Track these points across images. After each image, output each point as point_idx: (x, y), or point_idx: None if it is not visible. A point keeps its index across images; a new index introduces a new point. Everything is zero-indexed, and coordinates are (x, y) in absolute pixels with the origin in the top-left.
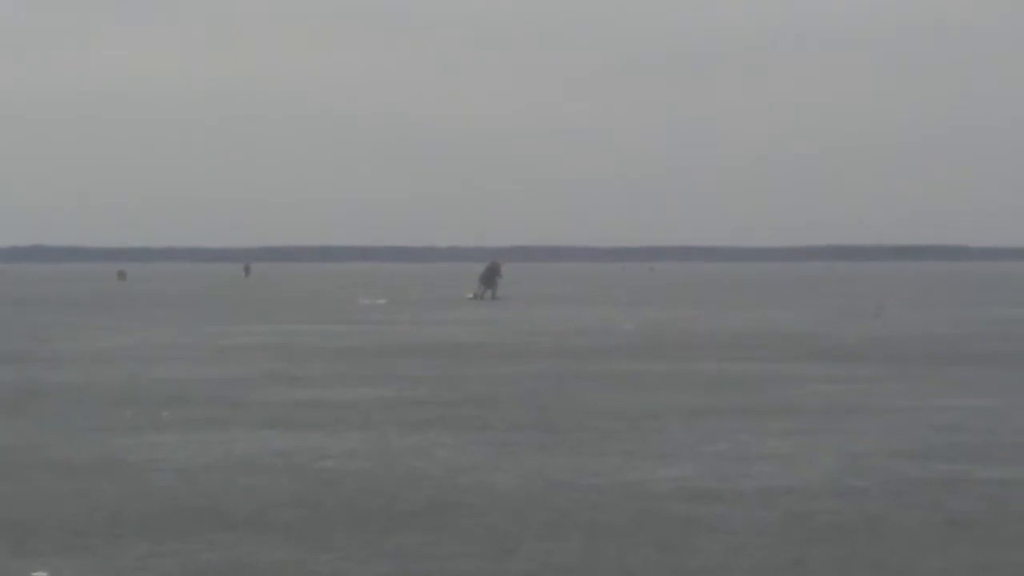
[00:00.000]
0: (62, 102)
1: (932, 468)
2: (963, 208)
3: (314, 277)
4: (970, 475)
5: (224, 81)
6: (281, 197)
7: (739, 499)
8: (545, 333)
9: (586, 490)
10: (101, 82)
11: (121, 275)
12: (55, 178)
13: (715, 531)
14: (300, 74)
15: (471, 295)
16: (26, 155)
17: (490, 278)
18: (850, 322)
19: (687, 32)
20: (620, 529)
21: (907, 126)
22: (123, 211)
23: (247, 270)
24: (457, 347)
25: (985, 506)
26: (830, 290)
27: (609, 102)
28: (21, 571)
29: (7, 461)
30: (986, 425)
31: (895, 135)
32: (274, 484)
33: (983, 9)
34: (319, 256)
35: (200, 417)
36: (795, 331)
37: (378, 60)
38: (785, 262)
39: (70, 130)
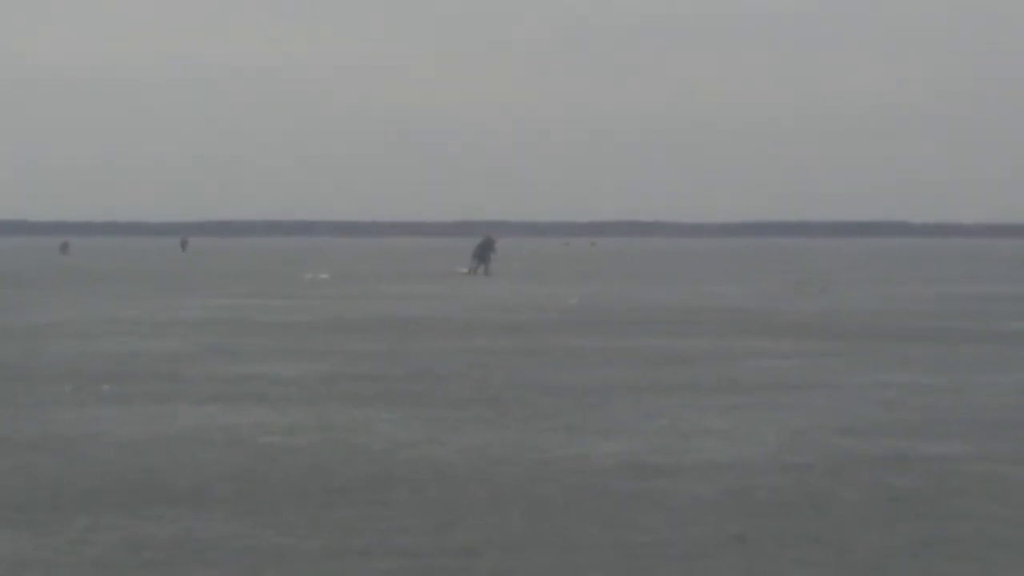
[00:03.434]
0: (2, 75)
1: (874, 444)
2: (903, 184)
3: (257, 251)
4: (912, 451)
5: (164, 56)
6: (224, 171)
7: (681, 474)
8: (488, 308)
9: (528, 465)
10: (44, 56)
11: (64, 248)
12: None
13: (657, 506)
14: (236, 51)
15: (465, 270)
16: None
17: (483, 253)
18: (794, 298)
19: (628, 4)
20: (561, 504)
21: (846, 102)
22: (65, 185)
23: (184, 244)
24: (400, 322)
25: (927, 482)
26: (772, 266)
27: (546, 76)
28: None
29: None
30: (928, 401)
31: (837, 111)
32: (216, 459)
33: None
34: (263, 230)
35: (141, 391)
36: (737, 306)
37: (321, 36)
38: (729, 238)
39: (10, 103)
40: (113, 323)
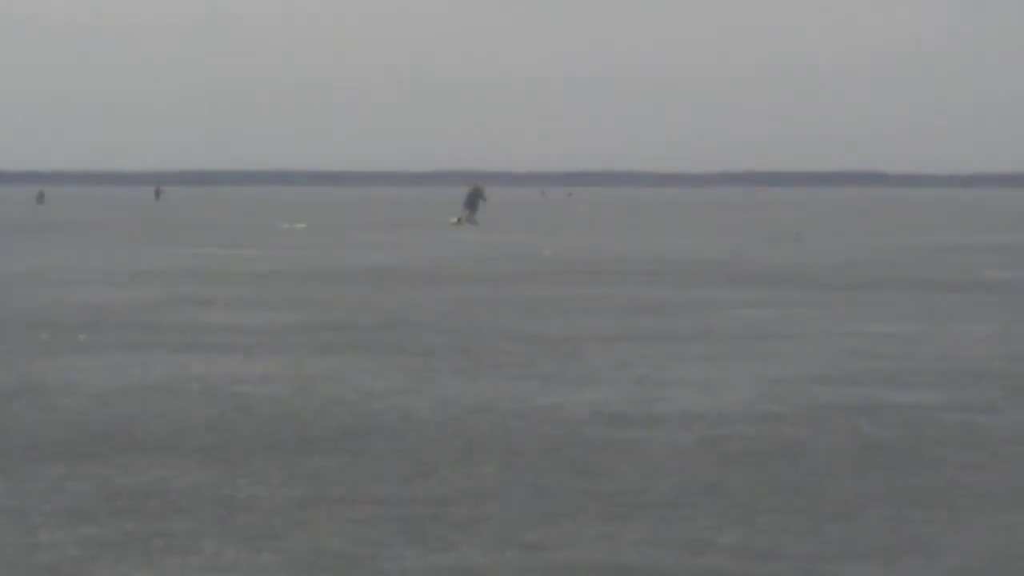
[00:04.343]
0: None
1: (849, 393)
2: (880, 134)
3: (232, 201)
4: (886, 400)
5: (143, 2)
6: (199, 120)
7: (656, 423)
8: (463, 258)
9: (503, 415)
10: (19, 3)
11: (40, 197)
12: None
13: (632, 455)
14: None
15: (455, 219)
16: None
17: (472, 202)
18: (769, 248)
19: None
20: (536, 453)
21: (822, 52)
22: (41, 134)
23: (158, 193)
24: (375, 272)
25: (901, 432)
26: (750, 216)
27: (524, 26)
28: None
29: None
30: (903, 351)
31: (811, 61)
32: (189, 408)
33: None
34: (239, 180)
35: (116, 341)
36: (714, 256)
37: None
38: (704, 187)
39: None
40: (89, 272)
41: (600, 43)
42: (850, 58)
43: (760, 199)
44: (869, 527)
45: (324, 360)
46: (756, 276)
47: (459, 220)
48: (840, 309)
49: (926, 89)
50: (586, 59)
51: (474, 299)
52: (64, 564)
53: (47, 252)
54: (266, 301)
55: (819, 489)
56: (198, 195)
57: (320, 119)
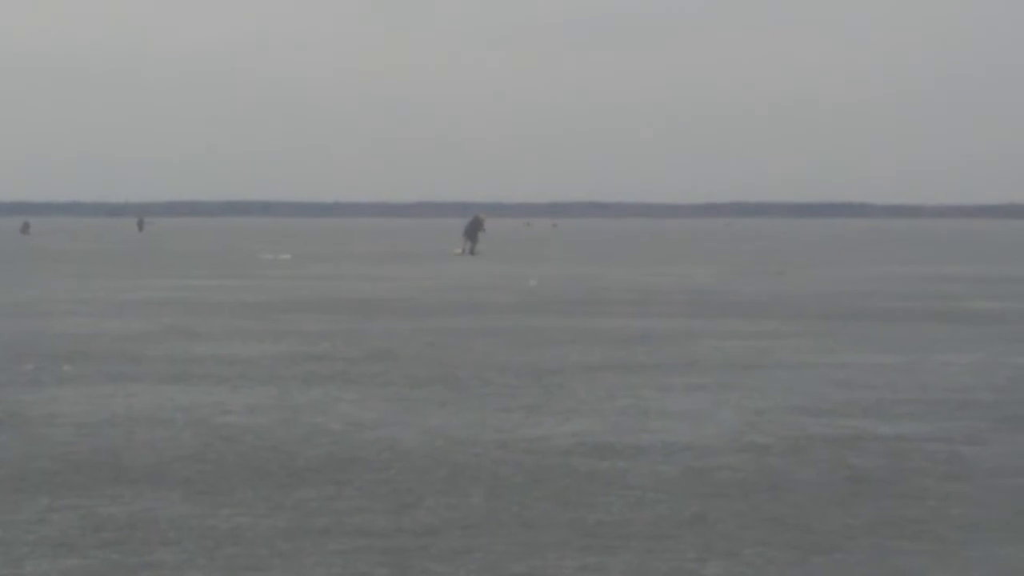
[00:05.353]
0: None
1: (833, 424)
2: (865, 166)
3: (217, 232)
4: (870, 431)
5: (124, 35)
6: (183, 152)
7: (640, 454)
8: (448, 289)
9: (488, 445)
10: (10, 38)
11: (25, 228)
12: None
13: (616, 486)
14: (196, 32)
15: (459, 250)
16: None
17: (472, 232)
18: (752, 279)
19: None
20: (521, 484)
21: (809, 85)
22: (28, 165)
23: (140, 225)
24: (360, 303)
25: (885, 462)
26: (732, 247)
27: (509, 58)
28: None
29: None
30: (886, 381)
31: (797, 92)
32: (175, 439)
33: None
34: (221, 210)
35: (101, 371)
36: (697, 287)
37: (282, 14)
38: (687, 219)
39: None
40: (74, 303)
41: (584, 76)
42: (837, 91)
43: (738, 230)
44: (855, 558)
45: (309, 391)
46: (740, 307)
47: (463, 251)
48: (825, 340)
49: (912, 121)
50: (572, 91)
51: (459, 330)
52: None
53: (32, 283)
54: (251, 332)
55: (804, 520)
56: (181, 226)
57: (304, 149)
